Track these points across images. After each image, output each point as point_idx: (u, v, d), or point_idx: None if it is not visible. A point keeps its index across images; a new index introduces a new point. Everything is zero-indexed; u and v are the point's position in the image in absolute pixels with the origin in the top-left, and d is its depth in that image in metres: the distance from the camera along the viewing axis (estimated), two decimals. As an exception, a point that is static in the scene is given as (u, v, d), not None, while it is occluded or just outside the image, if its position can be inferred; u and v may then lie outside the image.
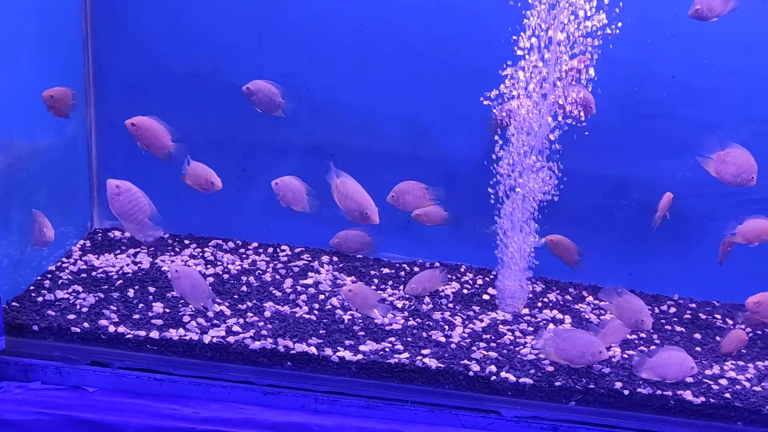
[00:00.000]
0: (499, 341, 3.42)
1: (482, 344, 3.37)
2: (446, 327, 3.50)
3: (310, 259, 4.03)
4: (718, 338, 3.70)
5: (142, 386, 3.04)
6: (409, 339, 3.33)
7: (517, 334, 3.52)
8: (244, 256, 3.97)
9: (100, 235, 4.14)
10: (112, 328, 3.17)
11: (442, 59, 3.85)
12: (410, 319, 3.53)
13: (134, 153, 3.34)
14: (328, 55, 3.88)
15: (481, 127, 3.68)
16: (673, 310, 4.04)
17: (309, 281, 3.76)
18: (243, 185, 4.04)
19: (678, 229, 3.99)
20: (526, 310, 3.78)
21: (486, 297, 3.87)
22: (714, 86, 3.78)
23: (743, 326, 3.78)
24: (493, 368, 3.16)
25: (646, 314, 3.20)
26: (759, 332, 3.79)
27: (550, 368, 3.22)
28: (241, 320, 3.30)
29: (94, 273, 3.66)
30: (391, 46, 3.86)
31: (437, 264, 4.21)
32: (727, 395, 3.17)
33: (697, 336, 3.77)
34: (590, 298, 4.06)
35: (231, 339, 3.13)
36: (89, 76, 4.03)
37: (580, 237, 4.02)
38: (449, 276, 4.07)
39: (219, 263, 3.83)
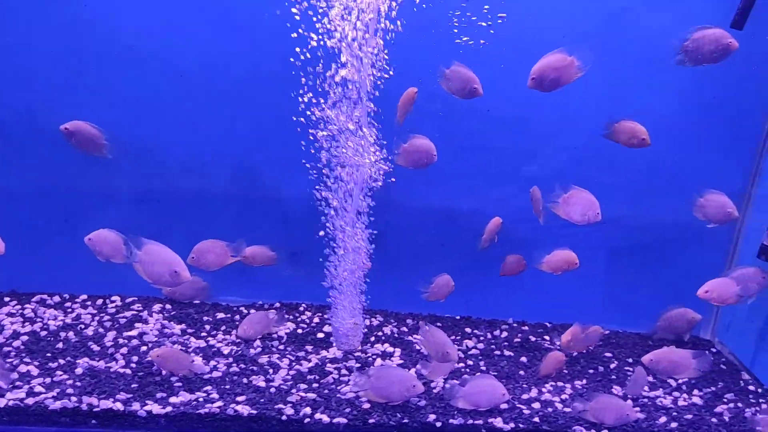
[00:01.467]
0: (322, 381, 3.43)
1: (304, 386, 3.37)
2: (270, 370, 3.48)
3: (140, 308, 3.94)
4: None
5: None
6: (227, 386, 3.29)
7: (344, 372, 3.54)
8: (69, 310, 3.84)
9: None
10: None
11: (270, 101, 3.86)
12: (234, 365, 3.50)
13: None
14: (150, 99, 3.83)
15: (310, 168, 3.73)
16: (505, 334, 4.17)
17: (133, 333, 3.67)
18: (68, 235, 3.92)
19: (509, 250, 4.13)
20: (359, 346, 3.83)
21: (321, 335, 3.89)
22: (529, 118, 3.96)
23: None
24: (308, 410, 3.16)
25: (450, 347, 3.28)
26: (584, 352, 3.97)
27: (367, 405, 3.25)
28: (48, 380, 3.17)
29: None
30: (216, 89, 3.85)
31: (277, 305, 4.21)
32: (536, 419, 3.27)
33: (524, 359, 3.89)
34: (427, 328, 4.15)
35: (30, 401, 3.01)
36: None
37: (417, 269, 4.12)
38: (287, 316, 4.08)
39: (39, 320, 3.69)
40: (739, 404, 3.61)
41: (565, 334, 3.61)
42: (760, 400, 3.66)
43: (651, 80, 3.92)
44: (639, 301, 4.24)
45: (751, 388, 3.79)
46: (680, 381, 3.75)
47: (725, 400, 3.65)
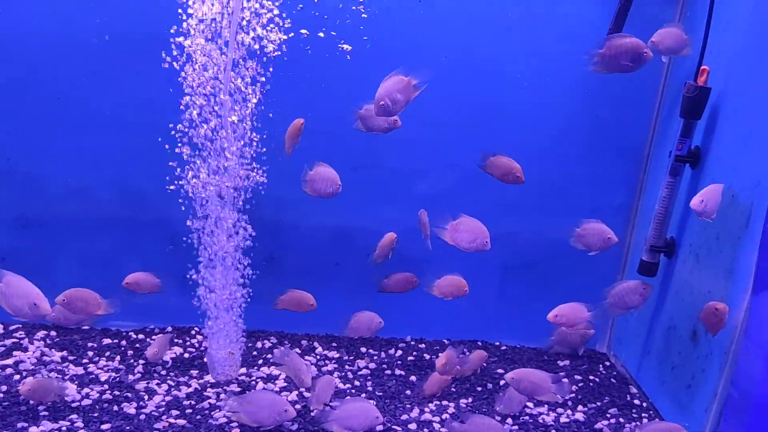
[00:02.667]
0: (197, 406, 3.38)
1: (176, 412, 3.32)
2: (146, 396, 3.43)
3: (22, 335, 3.88)
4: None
5: None
6: (95, 414, 3.24)
7: (223, 396, 3.50)
8: (-54, 339, 3.78)
9: None
10: None
11: (148, 124, 3.82)
12: (108, 391, 3.44)
13: None
14: (27, 123, 3.79)
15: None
16: (399, 353, 4.15)
17: (9, 361, 3.60)
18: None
19: (403, 269, 4.12)
20: (243, 370, 3.78)
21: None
22: (416, 138, 3.96)
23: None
24: (172, 438, 3.13)
25: (304, 372, 3.30)
26: (472, 373, 3.96)
27: (236, 431, 3.21)
28: None
29: None
30: (94, 112, 3.82)
31: (169, 329, 4.17)
32: (409, 441, 3.26)
33: (413, 378, 3.87)
34: (320, 349, 4.12)
35: None
36: None
37: (309, 289, 4.10)
38: (176, 340, 4.03)
39: None
40: (621, 419, 3.61)
41: (439, 358, 3.60)
42: (643, 415, 3.68)
43: (537, 96, 3.96)
44: (535, 316, 4.23)
45: (637, 402, 3.80)
46: (567, 397, 3.77)
47: (608, 415, 3.65)
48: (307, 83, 3.81)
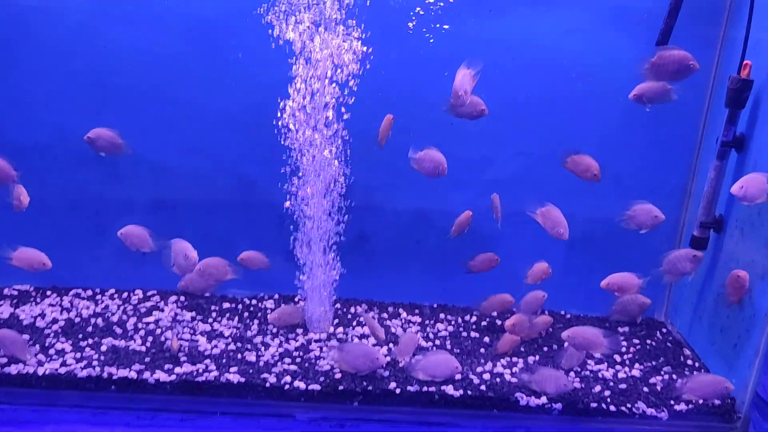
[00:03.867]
0: (305, 356, 4.05)
1: (288, 359, 3.99)
2: (262, 348, 4.13)
3: (158, 300, 4.65)
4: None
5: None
6: (223, 360, 3.95)
7: (325, 349, 4.15)
8: (99, 301, 4.59)
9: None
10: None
11: (261, 123, 4.52)
12: (232, 343, 4.15)
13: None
14: (161, 122, 4.54)
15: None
16: (474, 318, 4.70)
17: (151, 319, 4.38)
18: (99, 238, 4.65)
19: (476, 246, 4.66)
20: (341, 329, 4.43)
21: (310, 320, 4.53)
22: (486, 129, 4.48)
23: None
24: (288, 379, 3.78)
25: (377, 328, 4.16)
26: (537, 337, 4.47)
27: (338, 375, 3.84)
28: (78, 354, 3.89)
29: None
30: (215, 113, 4.54)
31: (276, 296, 4.86)
32: (483, 387, 3.81)
33: (486, 339, 4.43)
34: (404, 314, 4.72)
35: (63, 370, 3.72)
36: None
37: (394, 264, 4.73)
38: (283, 305, 4.73)
39: (74, 309, 4.44)
40: (674, 376, 4.06)
41: (509, 319, 4.13)
42: (694, 372, 4.11)
43: (596, 88, 4.42)
44: (596, 288, 4.71)
45: (689, 362, 4.24)
46: (625, 357, 4.24)
47: (662, 372, 4.11)
48: (388, 82, 4.40)
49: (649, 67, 3.62)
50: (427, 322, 4.64)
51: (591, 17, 4.33)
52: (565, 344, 3.87)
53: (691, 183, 4.55)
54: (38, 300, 4.53)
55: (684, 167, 4.57)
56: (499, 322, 4.67)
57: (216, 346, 4.10)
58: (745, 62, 3.77)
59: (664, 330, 4.69)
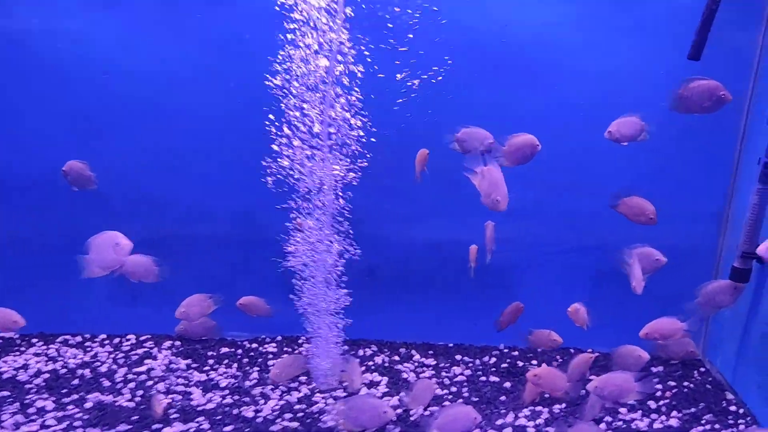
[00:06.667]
0: (307, 411, 3.69)
1: (288, 415, 3.64)
2: (261, 401, 3.78)
3: (152, 345, 4.33)
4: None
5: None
6: (218, 417, 3.61)
7: (330, 401, 3.79)
8: (88, 349, 4.27)
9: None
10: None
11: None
12: (229, 396, 3.81)
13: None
14: (149, 148, 4.24)
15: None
16: (494, 360, 4.32)
17: (142, 368, 4.05)
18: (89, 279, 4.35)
19: (494, 283, 4.30)
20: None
21: (316, 367, 4.18)
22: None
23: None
24: (289, 439, 3.44)
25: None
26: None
27: (343, 433, 3.49)
28: (60, 414, 3.56)
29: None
30: (217, 152, 4.25)
31: (279, 338, 4.52)
32: (504, 443, 3.44)
33: (507, 384, 4.04)
34: (417, 356, 4.35)
35: (41, 434, 3.41)
36: None
37: (408, 300, 4.38)
38: (285, 348, 4.37)
39: (60, 359, 4.13)
40: (717, 425, 3.65)
41: (533, 370, 3.71)
42: (740, 421, 3.69)
43: (623, 109, 4.05)
44: (628, 323, 4.31)
45: (733, 408, 3.82)
46: (661, 403, 3.84)
47: (703, 421, 3.70)
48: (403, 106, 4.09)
49: (677, 99, 3.24)
50: (442, 364, 4.27)
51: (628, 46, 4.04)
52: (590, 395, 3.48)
53: (728, 208, 4.15)
54: (23, 348, 4.22)
55: (719, 191, 4.16)
56: (520, 364, 4.29)
57: (211, 400, 3.76)
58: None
59: (702, 369, 4.27)
